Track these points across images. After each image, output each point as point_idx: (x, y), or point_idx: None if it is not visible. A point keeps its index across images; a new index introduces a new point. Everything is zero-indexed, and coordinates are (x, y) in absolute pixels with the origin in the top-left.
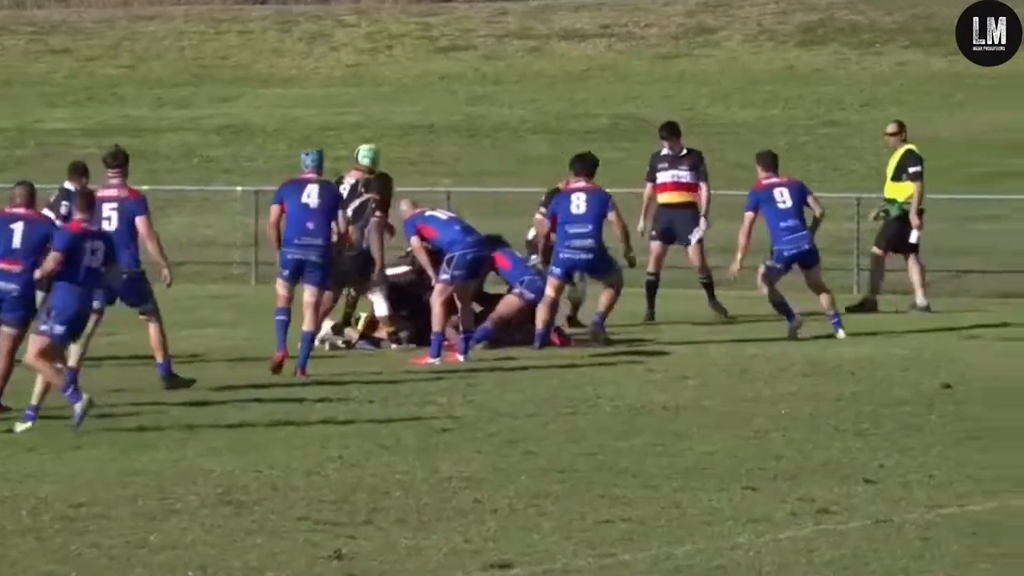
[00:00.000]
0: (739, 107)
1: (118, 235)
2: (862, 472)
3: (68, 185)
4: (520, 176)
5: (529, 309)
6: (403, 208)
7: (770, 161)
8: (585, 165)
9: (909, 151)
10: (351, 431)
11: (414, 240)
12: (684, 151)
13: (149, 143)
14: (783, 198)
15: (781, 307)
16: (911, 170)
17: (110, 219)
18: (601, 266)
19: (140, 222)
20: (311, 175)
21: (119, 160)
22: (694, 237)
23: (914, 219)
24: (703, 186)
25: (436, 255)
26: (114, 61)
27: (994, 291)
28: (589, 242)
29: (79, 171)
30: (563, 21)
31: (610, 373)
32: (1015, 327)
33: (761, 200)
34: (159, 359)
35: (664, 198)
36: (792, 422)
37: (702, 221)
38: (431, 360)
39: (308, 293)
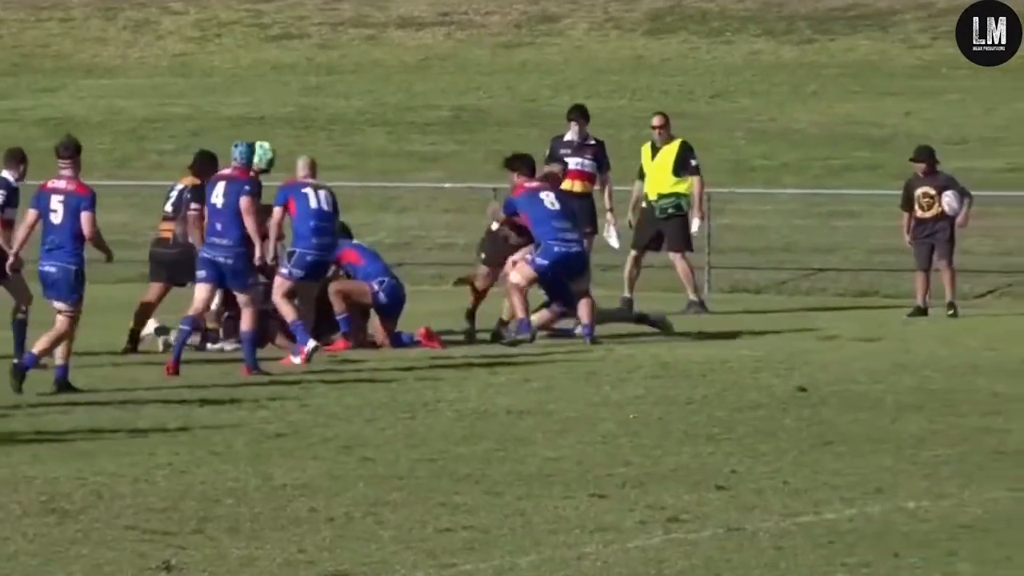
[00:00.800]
0: (584, 98)
1: (61, 229)
2: (714, 479)
3: (5, 174)
4: (357, 170)
5: (368, 309)
6: (298, 165)
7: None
8: (530, 164)
9: (686, 143)
10: (181, 437)
11: (277, 210)
12: (591, 139)
13: None
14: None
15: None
16: (692, 163)
17: (56, 211)
18: (584, 264)
19: (85, 219)
20: (228, 171)
21: (71, 151)
22: (613, 239)
23: (698, 211)
24: (609, 177)
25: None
26: None
27: (851, 290)
28: (576, 235)
29: (17, 159)
30: (400, 8)
31: (451, 376)
32: (871, 327)
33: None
34: (59, 361)
35: (569, 186)
36: (641, 427)
37: (610, 216)
38: (297, 358)
39: (239, 295)
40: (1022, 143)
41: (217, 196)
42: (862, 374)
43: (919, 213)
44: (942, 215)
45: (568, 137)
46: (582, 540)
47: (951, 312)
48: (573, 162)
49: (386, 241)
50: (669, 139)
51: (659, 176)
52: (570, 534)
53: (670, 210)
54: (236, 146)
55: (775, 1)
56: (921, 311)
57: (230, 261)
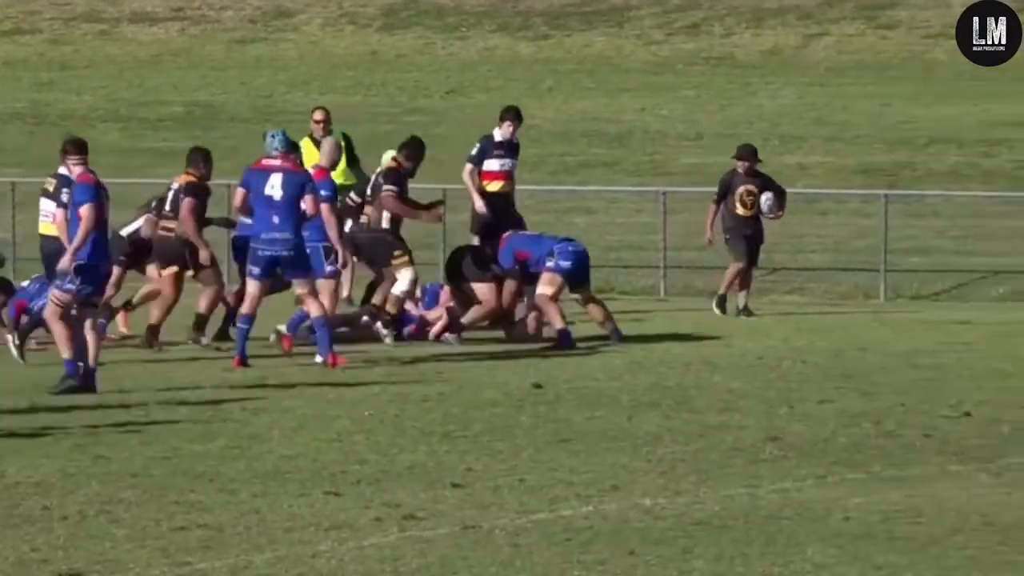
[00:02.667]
0: (319, 93)
1: (107, 224)
2: (450, 476)
3: (63, 170)
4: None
5: None
6: (324, 150)
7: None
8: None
9: (348, 135)
10: None
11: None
12: (515, 140)
13: None
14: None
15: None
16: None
17: (105, 206)
18: None
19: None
20: (278, 162)
21: (82, 148)
22: None
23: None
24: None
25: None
26: None
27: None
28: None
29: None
30: (133, 4)
31: (185, 372)
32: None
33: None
34: (92, 362)
35: (496, 187)
36: (376, 424)
37: None
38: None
39: (299, 286)
40: (755, 139)
41: (274, 188)
42: (598, 371)
43: (740, 211)
44: (757, 215)
45: (499, 137)
46: (317, 538)
47: (745, 311)
48: (508, 163)
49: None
50: (329, 134)
51: (343, 168)
52: (305, 532)
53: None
54: (273, 136)
55: None
56: (723, 305)
57: (290, 254)
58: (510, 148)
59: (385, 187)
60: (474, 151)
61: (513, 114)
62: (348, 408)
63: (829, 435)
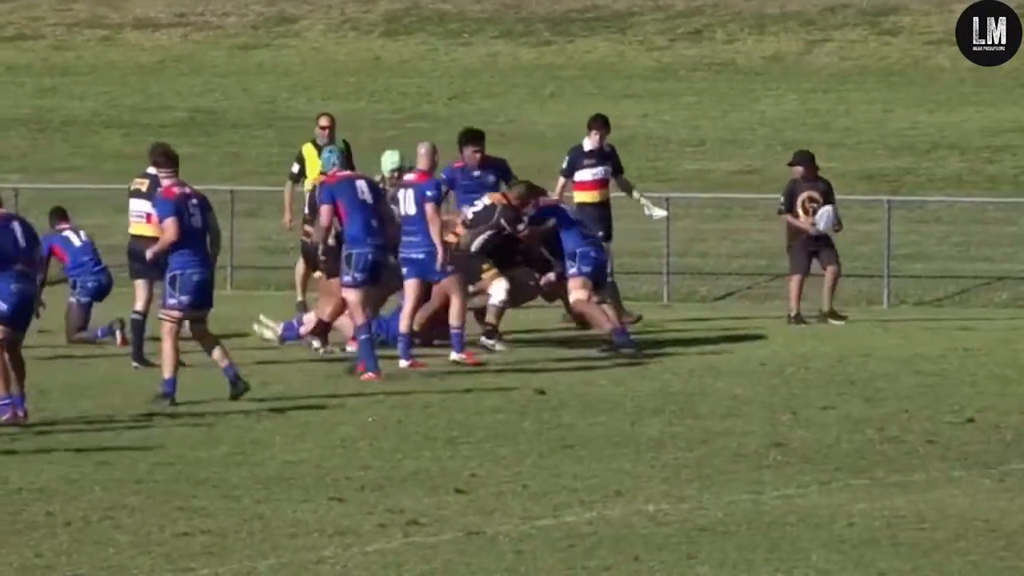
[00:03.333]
0: (322, 99)
1: (201, 234)
2: (453, 482)
3: (152, 170)
4: (93, 172)
5: None
6: (420, 152)
7: None
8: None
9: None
10: None
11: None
12: (607, 146)
13: None
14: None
15: None
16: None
17: (195, 216)
18: None
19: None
20: (346, 172)
21: (173, 160)
22: (658, 211)
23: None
24: (624, 179)
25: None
26: None
27: None
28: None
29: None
30: (136, 9)
31: (187, 378)
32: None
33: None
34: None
35: (589, 197)
36: (380, 430)
37: (637, 193)
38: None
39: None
40: (758, 145)
41: (364, 194)
42: (602, 377)
43: (803, 217)
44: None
45: (589, 147)
46: (321, 544)
47: (841, 318)
48: (601, 171)
49: (123, 244)
50: (333, 140)
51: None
52: (309, 538)
53: None
54: (331, 152)
55: (513, 3)
56: (800, 319)
57: (386, 257)
58: (601, 156)
59: (519, 227)
60: (564, 164)
61: (600, 122)
62: (351, 414)
63: (832, 441)
